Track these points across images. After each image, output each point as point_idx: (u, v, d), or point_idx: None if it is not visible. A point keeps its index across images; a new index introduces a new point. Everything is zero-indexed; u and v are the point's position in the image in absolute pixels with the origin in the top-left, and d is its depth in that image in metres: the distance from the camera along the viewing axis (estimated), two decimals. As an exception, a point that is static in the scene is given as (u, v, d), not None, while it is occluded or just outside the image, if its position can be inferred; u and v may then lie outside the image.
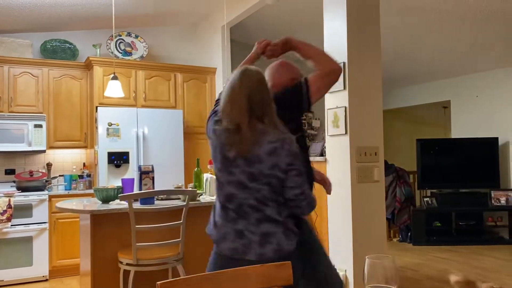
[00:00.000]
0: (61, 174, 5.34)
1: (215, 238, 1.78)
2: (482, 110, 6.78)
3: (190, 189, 3.32)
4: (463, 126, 7.07)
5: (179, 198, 3.34)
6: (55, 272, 4.70)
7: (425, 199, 6.52)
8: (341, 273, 3.13)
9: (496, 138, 6.43)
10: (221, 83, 5.38)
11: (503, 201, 6.23)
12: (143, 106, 5.30)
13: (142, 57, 5.60)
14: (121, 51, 5.51)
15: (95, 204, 3.15)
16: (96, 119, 5.00)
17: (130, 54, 5.56)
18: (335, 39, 3.28)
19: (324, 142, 3.72)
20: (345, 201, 3.11)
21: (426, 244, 6.15)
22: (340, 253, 3.17)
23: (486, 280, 4.42)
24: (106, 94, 3.77)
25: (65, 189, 5.13)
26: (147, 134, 5.16)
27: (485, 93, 6.72)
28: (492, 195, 6.31)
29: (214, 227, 1.80)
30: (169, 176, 5.08)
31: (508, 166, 6.45)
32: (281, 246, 1.71)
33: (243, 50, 6.91)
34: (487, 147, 6.45)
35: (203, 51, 6.11)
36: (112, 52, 5.41)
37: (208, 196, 3.51)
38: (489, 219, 6.40)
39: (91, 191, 4.88)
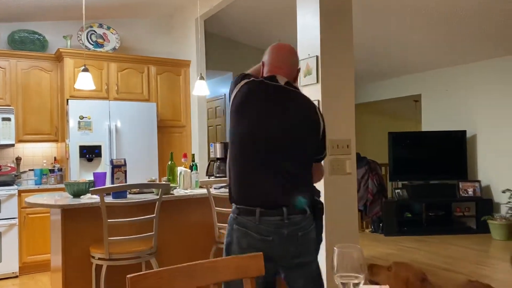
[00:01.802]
0: (31, 168, 5.22)
1: None
2: (451, 104, 6.96)
3: (164, 182, 3.30)
4: (433, 119, 7.24)
5: (152, 192, 3.32)
6: (26, 269, 4.61)
7: (396, 191, 6.67)
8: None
9: (464, 131, 6.61)
10: (195, 76, 5.34)
11: (470, 192, 6.43)
12: (115, 99, 5.22)
13: (114, 49, 5.50)
14: (92, 43, 5.40)
15: (66, 198, 3.10)
16: (67, 112, 4.89)
17: (102, 46, 5.46)
18: (308, 33, 3.30)
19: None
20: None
21: (397, 235, 6.30)
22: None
23: (452, 268, 4.57)
24: (77, 86, 3.69)
25: (35, 184, 5.02)
26: (120, 128, 5.09)
27: (454, 87, 6.89)
28: (460, 186, 6.50)
29: None
30: (143, 170, 5.03)
31: (475, 158, 6.65)
32: None
33: (217, 42, 6.89)
34: (456, 140, 6.64)
35: (177, 44, 6.05)
36: (83, 44, 5.30)
37: (182, 189, 3.49)
38: (457, 209, 6.60)
39: (62, 185, 4.79)
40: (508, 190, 5.80)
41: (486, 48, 6.02)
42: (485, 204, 6.29)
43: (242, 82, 1.93)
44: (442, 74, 7.07)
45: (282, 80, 1.93)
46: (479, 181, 6.45)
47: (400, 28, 5.63)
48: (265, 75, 1.99)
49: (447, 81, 7.00)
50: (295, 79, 2.04)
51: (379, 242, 5.99)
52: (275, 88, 1.91)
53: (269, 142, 1.83)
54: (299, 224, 1.83)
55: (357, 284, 1.07)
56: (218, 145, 4.19)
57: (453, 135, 6.67)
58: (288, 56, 2.01)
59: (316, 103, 3.19)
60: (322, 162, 2.08)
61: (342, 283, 1.07)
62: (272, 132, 1.83)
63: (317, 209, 1.92)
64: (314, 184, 2.02)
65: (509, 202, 5.78)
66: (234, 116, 1.90)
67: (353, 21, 3.36)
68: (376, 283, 1.51)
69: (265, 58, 2.03)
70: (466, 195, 6.45)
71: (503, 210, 6.06)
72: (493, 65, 6.33)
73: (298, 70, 2.07)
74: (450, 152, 6.66)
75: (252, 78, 1.94)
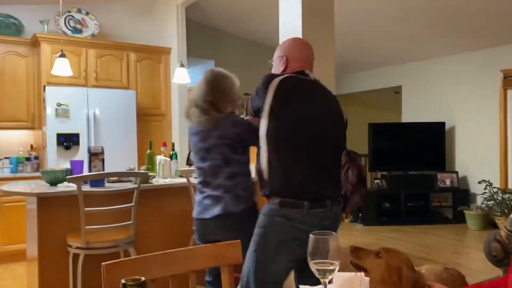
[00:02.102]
0: (7, 156, 5.10)
1: None
2: (431, 96, 7.04)
3: (143, 171, 3.26)
4: (413, 111, 7.32)
5: (131, 181, 3.27)
6: (1, 258, 4.52)
7: (375, 181, 6.74)
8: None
9: (443, 123, 6.71)
10: (176, 64, 5.28)
11: (448, 182, 6.54)
12: (94, 86, 5.12)
13: (93, 35, 5.39)
14: (70, 28, 5.28)
15: (42, 187, 3.04)
16: (44, 99, 4.78)
17: (80, 31, 5.33)
18: (289, 22, 3.28)
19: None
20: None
21: (376, 225, 6.38)
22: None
23: (429, 257, 4.66)
24: (53, 72, 3.61)
25: (11, 172, 4.91)
26: (99, 115, 5.00)
27: (434, 79, 6.97)
28: (439, 177, 6.61)
29: None
30: (122, 159, 4.96)
31: (454, 150, 6.76)
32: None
33: (199, 30, 6.81)
34: (435, 131, 6.73)
35: (158, 31, 5.95)
36: (60, 29, 5.17)
37: (161, 178, 3.46)
38: (435, 200, 6.71)
39: (39, 174, 4.69)
40: (484, 181, 5.92)
41: (465, 41, 6.10)
42: (462, 195, 6.42)
43: (277, 80, 1.88)
44: (422, 66, 7.14)
45: (313, 76, 1.98)
46: (456, 172, 6.57)
47: (381, 20, 5.65)
48: (293, 70, 1.97)
49: (427, 73, 7.08)
50: None
51: (358, 232, 6.07)
52: (313, 84, 1.97)
53: (316, 137, 1.89)
54: (338, 216, 1.95)
55: (332, 270, 1.07)
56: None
57: (432, 126, 6.76)
58: (311, 53, 2.07)
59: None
60: None
61: (318, 270, 1.07)
62: (319, 126, 1.91)
63: (345, 197, 2.00)
64: None
65: (485, 192, 5.91)
66: (278, 113, 1.86)
67: (335, 12, 3.36)
68: (360, 267, 1.48)
69: (288, 52, 2.02)
70: (443, 185, 6.56)
71: (479, 200, 6.19)
72: (472, 58, 6.42)
73: None
74: (429, 144, 6.76)
75: (286, 75, 1.92)
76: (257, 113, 1.94)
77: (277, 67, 2.04)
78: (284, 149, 1.87)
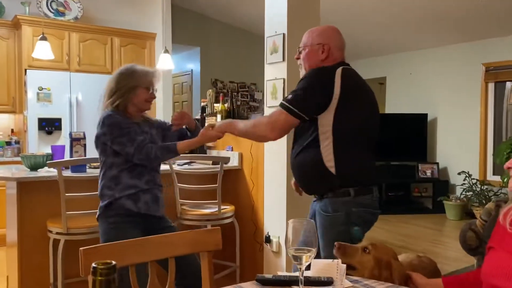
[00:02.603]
0: (-14, 140, 5.01)
1: None
2: (414, 87, 7.11)
3: (125, 157, 3.24)
4: (397, 102, 7.39)
5: (113, 167, 3.25)
6: (-20, 243, 4.46)
7: (358, 171, 6.81)
8: (275, 240, 3.23)
9: (426, 114, 6.80)
10: (161, 49, 5.22)
11: (428, 173, 6.66)
12: (77, 71, 5.05)
13: (76, 18, 5.29)
14: (53, 11, 5.17)
15: (23, 171, 3.01)
16: (25, 83, 4.70)
17: (63, 14, 5.23)
18: (275, 10, 3.27)
19: (263, 113, 3.75)
20: (281, 171, 3.18)
21: (357, 214, 6.46)
22: (274, 221, 3.26)
23: (408, 246, 4.75)
24: (34, 55, 3.55)
25: (-9, 156, 4.84)
26: (81, 100, 4.94)
27: (418, 71, 7.04)
28: (420, 168, 6.71)
29: None
30: (105, 144, 4.92)
31: (435, 141, 6.86)
32: None
33: (184, 16, 6.74)
34: (417, 123, 6.82)
35: (143, 15, 5.87)
36: (42, 11, 5.06)
37: (144, 164, 3.44)
38: (416, 190, 6.83)
39: (20, 158, 4.63)
40: (463, 172, 6.04)
41: (449, 34, 6.16)
42: (441, 186, 6.53)
43: (339, 71, 1.85)
44: (406, 58, 7.20)
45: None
46: (437, 163, 6.68)
47: (366, 11, 5.66)
48: (335, 60, 1.96)
49: (411, 65, 7.14)
50: None
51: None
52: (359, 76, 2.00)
53: (375, 128, 1.98)
54: (377, 205, 1.99)
55: (309, 256, 1.09)
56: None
57: (414, 118, 6.84)
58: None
59: (281, 81, 3.20)
60: None
61: (294, 256, 1.09)
62: (375, 118, 2.00)
63: None
64: None
65: (464, 183, 6.03)
66: (347, 104, 1.83)
67: (321, 1, 3.36)
68: (349, 265, 1.42)
69: (330, 41, 1.97)
70: (424, 176, 6.67)
71: (458, 191, 6.31)
72: (455, 51, 6.49)
73: None
74: (411, 135, 6.85)
75: (343, 66, 1.90)
76: (315, 112, 1.84)
77: (314, 56, 1.97)
78: (354, 139, 1.89)
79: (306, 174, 1.95)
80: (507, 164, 1.29)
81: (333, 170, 1.84)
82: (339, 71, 1.85)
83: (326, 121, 1.83)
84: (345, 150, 1.85)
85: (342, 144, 1.85)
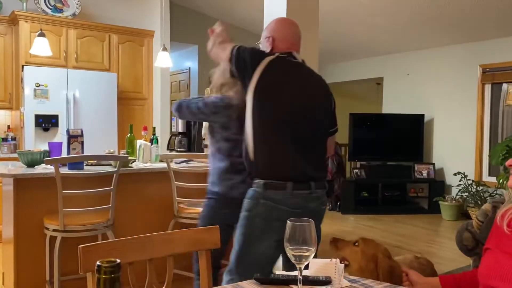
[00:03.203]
0: (-18, 136, 4.99)
1: None
2: (411, 88, 7.13)
3: (122, 155, 3.24)
4: (394, 102, 7.41)
5: (110, 165, 3.25)
6: (-25, 239, 4.45)
7: (354, 171, 6.84)
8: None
9: (422, 115, 6.82)
10: (159, 47, 5.22)
11: (424, 173, 6.68)
12: (74, 67, 5.03)
13: (74, 15, 5.27)
14: (50, 7, 5.15)
15: (20, 168, 2.99)
16: (22, 79, 4.68)
17: (61, 10, 5.21)
18: (274, 8, 3.27)
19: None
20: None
21: (353, 213, 6.49)
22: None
23: (403, 246, 4.77)
24: (32, 51, 3.53)
25: (-13, 153, 4.82)
26: (78, 97, 4.92)
27: (415, 71, 7.06)
28: (416, 168, 6.73)
29: None
30: (102, 142, 4.91)
31: (432, 142, 6.88)
32: None
33: (183, 14, 6.72)
34: (414, 123, 6.84)
35: (141, 13, 5.86)
36: (40, 7, 5.04)
37: (141, 163, 3.44)
38: (412, 190, 6.85)
39: (16, 155, 4.61)
40: (459, 173, 6.06)
41: (446, 35, 6.17)
42: (437, 186, 6.56)
43: (267, 60, 1.86)
44: (404, 58, 7.21)
45: (299, 57, 1.97)
46: (433, 164, 6.70)
47: (364, 12, 5.67)
48: (280, 51, 1.94)
49: (408, 66, 7.16)
50: None
51: (336, 220, 6.16)
52: (300, 66, 1.96)
53: (301, 119, 1.88)
54: (322, 199, 1.94)
55: (308, 256, 1.09)
56: (180, 120, 4.14)
57: (411, 118, 6.86)
58: (298, 33, 2.04)
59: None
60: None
61: (294, 255, 1.09)
62: (304, 109, 1.90)
63: (330, 184, 2.03)
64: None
65: (460, 184, 6.05)
66: (264, 93, 1.85)
67: (319, 1, 3.36)
68: (342, 259, 1.56)
69: (274, 33, 1.98)
70: (420, 176, 6.70)
71: (454, 192, 6.34)
72: (453, 52, 6.51)
73: None
74: (408, 135, 6.87)
75: (276, 55, 1.90)
76: (237, 73, 1.92)
77: (264, 48, 2.01)
78: (268, 129, 1.86)
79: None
80: (508, 162, 1.30)
81: (251, 156, 1.90)
82: (267, 59, 1.87)
83: (248, 110, 1.89)
84: (261, 142, 1.87)
85: (259, 135, 1.87)
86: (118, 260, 0.64)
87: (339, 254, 1.60)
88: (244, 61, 1.88)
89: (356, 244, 1.61)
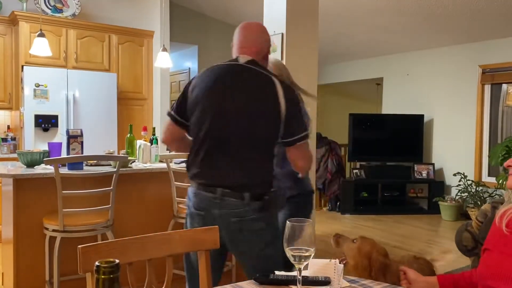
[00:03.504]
0: (-18, 136, 4.99)
1: None
2: (411, 88, 7.13)
3: (122, 155, 3.24)
4: (394, 103, 7.41)
5: (110, 165, 3.25)
6: (-25, 240, 4.44)
7: (354, 171, 6.84)
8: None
9: (422, 115, 6.82)
10: (159, 47, 5.22)
11: (424, 174, 6.68)
12: (74, 68, 5.03)
13: (74, 15, 5.27)
14: (50, 7, 5.15)
15: (19, 168, 2.99)
16: (21, 79, 4.68)
17: (60, 11, 5.21)
18: (274, 10, 3.27)
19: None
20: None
21: (353, 213, 6.49)
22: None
23: (403, 246, 4.77)
24: (32, 52, 3.53)
25: (-14, 153, 4.82)
26: (78, 97, 4.92)
27: (415, 72, 7.06)
28: (415, 168, 6.74)
29: None
30: (101, 142, 4.91)
31: (431, 142, 6.89)
32: None
33: (182, 14, 6.72)
34: (413, 123, 6.84)
35: (141, 13, 5.86)
36: (40, 8, 5.04)
37: (141, 163, 3.44)
38: (411, 190, 6.85)
39: (16, 155, 4.61)
40: (459, 173, 6.06)
41: (446, 36, 6.18)
42: (437, 186, 6.56)
43: (203, 69, 1.93)
44: (403, 58, 7.21)
45: (244, 59, 1.87)
46: (433, 164, 6.71)
47: (364, 11, 5.67)
48: (235, 57, 1.94)
49: (408, 66, 7.16)
50: (265, 57, 1.97)
51: (335, 220, 6.16)
52: (230, 68, 1.87)
53: (219, 121, 1.79)
54: (233, 209, 1.76)
55: (308, 257, 1.10)
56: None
57: (411, 118, 6.86)
58: (255, 34, 1.94)
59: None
60: (310, 146, 1.96)
61: (293, 256, 1.09)
62: (223, 111, 1.80)
63: (265, 199, 1.78)
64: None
65: (459, 185, 6.05)
66: (190, 105, 1.87)
67: (319, 1, 3.36)
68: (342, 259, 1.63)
69: (234, 39, 1.98)
70: (420, 177, 6.70)
71: (453, 192, 6.34)
72: (452, 52, 6.51)
73: (269, 48, 2.01)
74: (408, 135, 6.87)
75: (227, 62, 1.92)
76: (178, 114, 1.97)
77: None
78: (194, 133, 1.87)
79: None
80: (507, 162, 1.30)
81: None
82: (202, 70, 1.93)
83: None
84: (192, 148, 1.89)
85: (193, 141, 1.89)
86: (117, 260, 0.64)
87: (339, 249, 1.71)
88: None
89: (354, 241, 1.69)
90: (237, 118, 1.78)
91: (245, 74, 1.84)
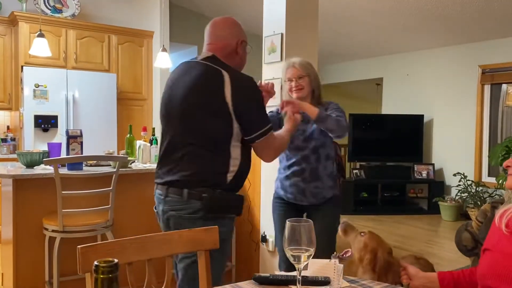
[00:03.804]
0: (-18, 137, 4.99)
1: None
2: (411, 88, 7.13)
3: (121, 155, 3.24)
4: (394, 103, 7.41)
5: (109, 165, 3.25)
6: (-25, 240, 4.44)
7: (354, 171, 6.84)
8: (271, 239, 3.24)
9: (422, 115, 6.82)
10: (158, 47, 5.22)
11: (424, 174, 6.68)
12: (73, 68, 5.03)
13: (73, 15, 5.27)
14: (50, 8, 5.15)
15: (19, 169, 2.99)
16: (21, 80, 4.68)
17: (60, 11, 5.21)
18: (274, 9, 3.27)
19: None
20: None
21: (353, 214, 6.48)
22: (271, 221, 3.25)
23: (403, 246, 4.77)
24: (31, 52, 3.53)
25: (-14, 153, 4.81)
26: (78, 98, 4.92)
27: (415, 72, 7.06)
28: (415, 169, 6.73)
29: None
30: (101, 142, 4.91)
31: (431, 142, 6.89)
32: None
33: (182, 15, 6.72)
34: (413, 124, 6.84)
35: (140, 13, 5.86)
36: (39, 8, 5.04)
37: (141, 163, 3.44)
38: (411, 190, 6.85)
39: (16, 155, 4.61)
40: (459, 173, 6.06)
41: (446, 36, 6.18)
42: (437, 186, 6.56)
43: None
44: (403, 59, 7.21)
45: (202, 56, 1.86)
46: (433, 164, 6.70)
47: (364, 11, 5.67)
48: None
49: (408, 66, 7.16)
50: (234, 52, 1.89)
51: (335, 220, 6.14)
52: (182, 67, 1.91)
53: (169, 119, 1.85)
54: (174, 206, 1.76)
55: (307, 256, 1.09)
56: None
57: (411, 118, 6.86)
58: (221, 29, 1.89)
59: (279, 81, 3.19)
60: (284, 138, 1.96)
61: (293, 256, 1.09)
62: (171, 109, 1.84)
63: (205, 198, 1.71)
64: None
65: (459, 185, 6.05)
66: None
67: (319, 1, 3.36)
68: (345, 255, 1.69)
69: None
70: (420, 177, 6.70)
71: (453, 192, 6.34)
72: (452, 52, 6.51)
73: (240, 42, 1.90)
74: (408, 135, 6.87)
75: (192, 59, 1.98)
76: None
77: None
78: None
79: None
80: (506, 163, 1.30)
81: None
82: None
83: None
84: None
85: None
86: (116, 260, 0.64)
87: (346, 238, 1.75)
88: None
89: (362, 234, 1.70)
90: (181, 118, 1.78)
91: (193, 72, 1.80)
